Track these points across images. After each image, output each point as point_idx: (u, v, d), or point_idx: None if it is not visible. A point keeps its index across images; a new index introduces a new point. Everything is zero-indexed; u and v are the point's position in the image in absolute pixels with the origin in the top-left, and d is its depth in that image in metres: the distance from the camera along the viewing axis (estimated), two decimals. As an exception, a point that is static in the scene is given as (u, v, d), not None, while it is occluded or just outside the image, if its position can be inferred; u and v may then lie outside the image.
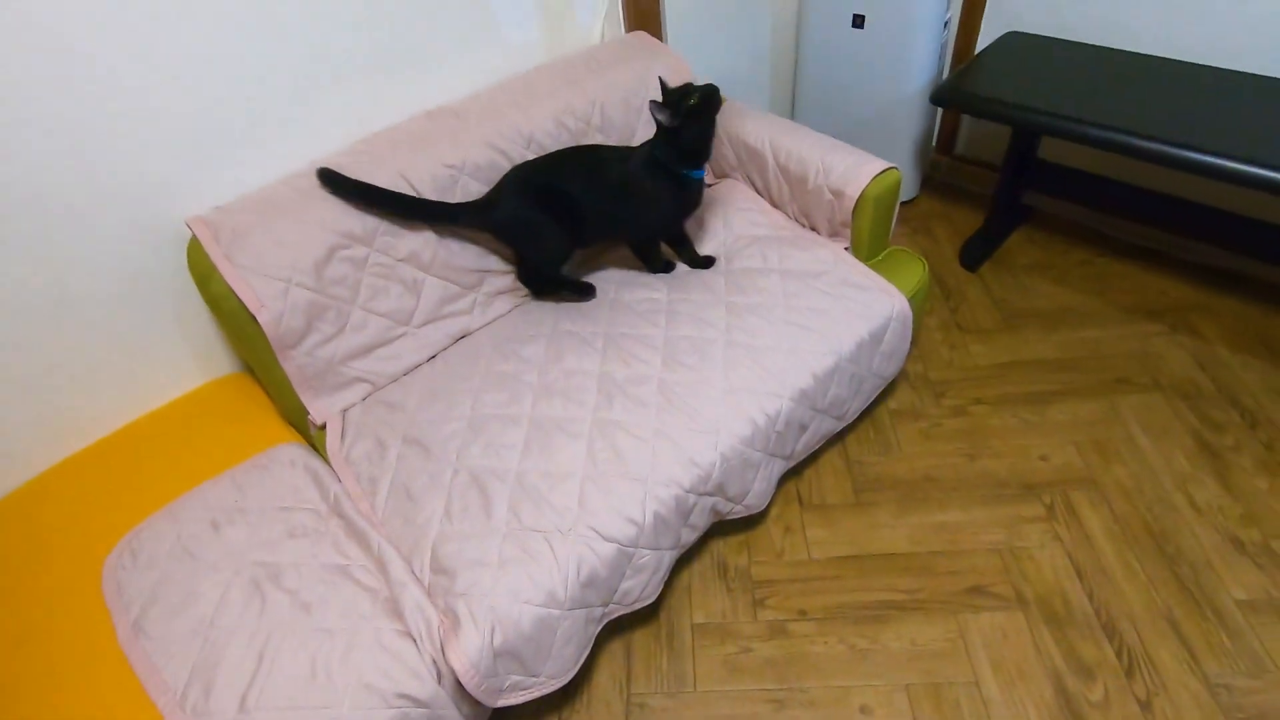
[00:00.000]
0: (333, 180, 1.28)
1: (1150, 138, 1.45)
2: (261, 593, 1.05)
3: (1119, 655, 1.22)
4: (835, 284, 1.45)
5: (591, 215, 1.40)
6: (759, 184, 1.67)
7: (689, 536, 1.27)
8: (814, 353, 1.34)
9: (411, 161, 1.36)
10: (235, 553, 1.10)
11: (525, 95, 1.51)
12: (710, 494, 1.25)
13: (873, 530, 1.44)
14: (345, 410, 1.35)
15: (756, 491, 1.33)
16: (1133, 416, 1.58)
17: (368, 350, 1.36)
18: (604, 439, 1.23)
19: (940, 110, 2.20)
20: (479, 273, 1.47)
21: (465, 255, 1.43)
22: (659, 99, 1.33)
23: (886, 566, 1.38)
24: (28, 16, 1.02)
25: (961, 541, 1.40)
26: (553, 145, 1.49)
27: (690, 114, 1.29)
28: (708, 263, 1.53)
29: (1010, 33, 1.89)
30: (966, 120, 2.22)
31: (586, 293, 1.50)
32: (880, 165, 1.44)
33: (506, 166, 1.44)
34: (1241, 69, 1.63)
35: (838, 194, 1.47)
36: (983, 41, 2.01)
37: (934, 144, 2.30)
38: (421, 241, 1.37)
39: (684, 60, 1.67)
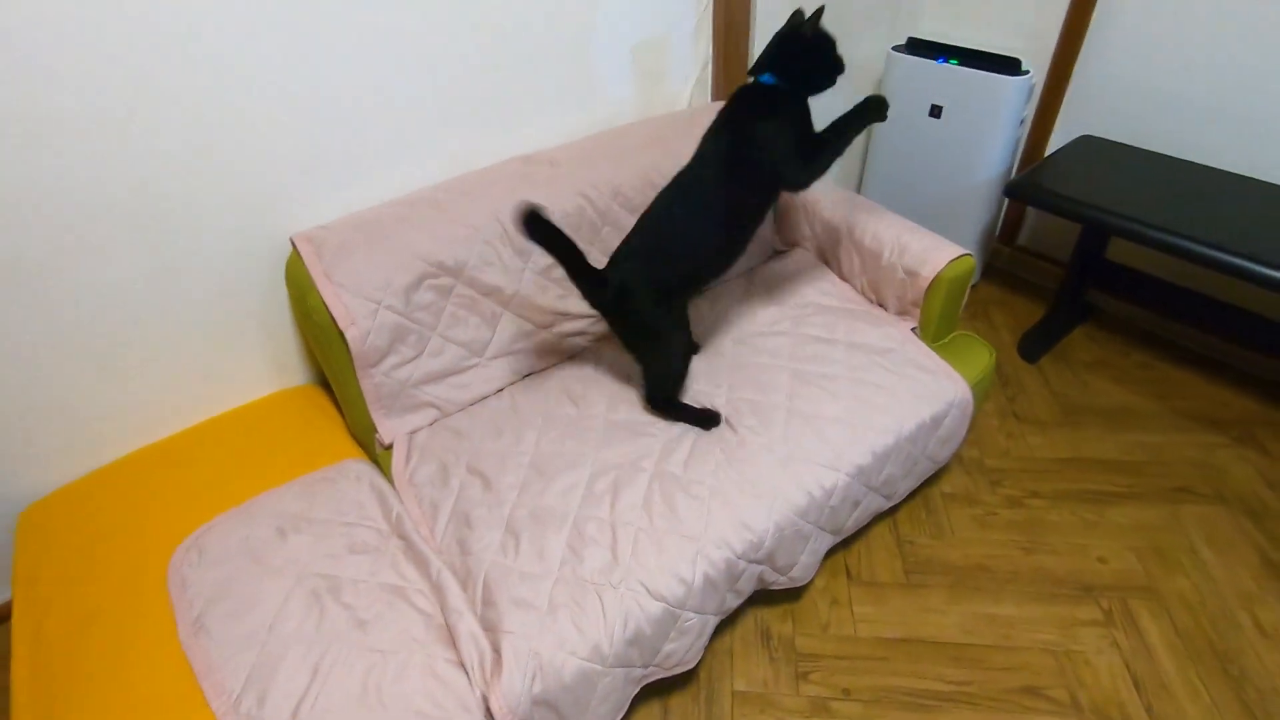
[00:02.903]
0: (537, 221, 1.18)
1: (1224, 249, 1.46)
2: (321, 605, 1.06)
3: (1180, 779, 1.16)
4: (901, 363, 1.45)
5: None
6: (829, 256, 1.71)
7: (732, 602, 1.25)
8: (875, 429, 1.34)
9: (505, 202, 1.42)
10: (299, 561, 1.11)
11: (616, 149, 1.57)
12: (759, 562, 1.23)
13: (923, 614, 1.41)
14: (412, 433, 1.38)
15: (803, 564, 1.32)
16: (1195, 528, 1.54)
17: (441, 377, 1.40)
18: (661, 492, 1.23)
19: (1006, 201, 2.24)
20: (555, 314, 1.50)
21: (545, 296, 1.48)
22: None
23: (936, 654, 1.34)
24: (190, 27, 1.11)
25: (1015, 637, 1.36)
26: (639, 200, 1.54)
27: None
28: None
29: (1084, 136, 1.94)
30: (1030, 214, 2.26)
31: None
32: (957, 250, 1.47)
33: (593, 215, 1.49)
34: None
35: (912, 274, 1.50)
36: (1055, 142, 2.06)
37: (996, 234, 2.33)
38: (505, 278, 1.42)
39: (767, 132, 1.73)
